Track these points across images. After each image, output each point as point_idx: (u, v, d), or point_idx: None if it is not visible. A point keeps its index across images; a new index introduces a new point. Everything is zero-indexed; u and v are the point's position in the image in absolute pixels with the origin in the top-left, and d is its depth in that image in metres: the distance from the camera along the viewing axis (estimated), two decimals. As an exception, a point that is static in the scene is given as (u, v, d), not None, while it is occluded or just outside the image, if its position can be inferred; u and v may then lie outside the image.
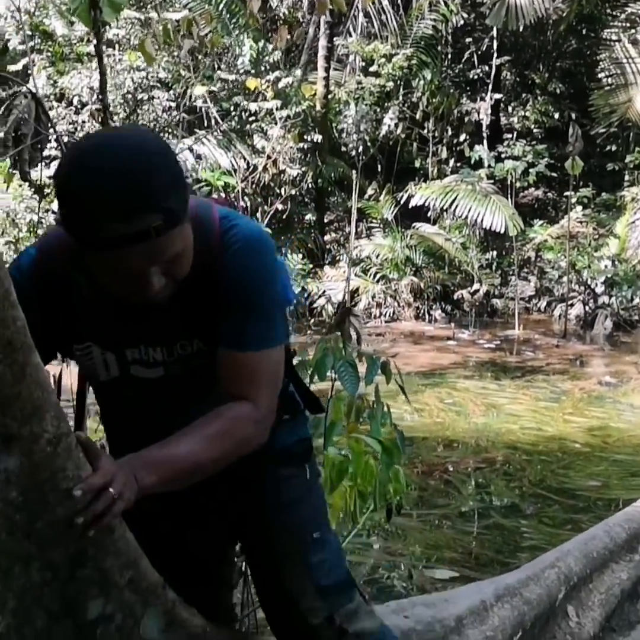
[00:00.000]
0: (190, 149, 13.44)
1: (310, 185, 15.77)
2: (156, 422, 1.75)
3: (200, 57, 15.14)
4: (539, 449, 8.29)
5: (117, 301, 1.70)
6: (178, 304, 1.74)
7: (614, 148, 17.78)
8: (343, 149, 16.64)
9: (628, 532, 3.73)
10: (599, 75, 15.68)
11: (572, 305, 14.76)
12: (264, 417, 1.79)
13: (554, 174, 17.17)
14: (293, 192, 14.92)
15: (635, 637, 3.47)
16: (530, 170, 16.76)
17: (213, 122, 14.22)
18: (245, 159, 14.19)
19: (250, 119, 14.85)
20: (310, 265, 14.82)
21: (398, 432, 3.67)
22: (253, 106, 14.44)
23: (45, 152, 12.70)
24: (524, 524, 6.57)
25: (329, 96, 16.18)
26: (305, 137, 15.17)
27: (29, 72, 11.48)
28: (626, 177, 17.29)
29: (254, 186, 14.19)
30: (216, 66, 15.67)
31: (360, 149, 15.12)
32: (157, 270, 1.59)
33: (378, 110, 16.95)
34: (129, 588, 1.43)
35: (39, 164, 12.97)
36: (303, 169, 15.16)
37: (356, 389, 3.23)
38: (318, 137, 15.25)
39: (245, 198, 14.02)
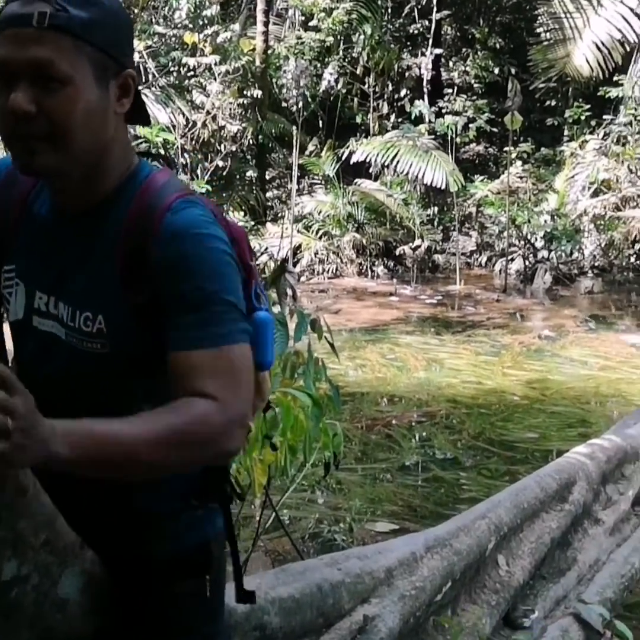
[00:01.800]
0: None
1: (250, 142, 15.62)
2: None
3: (136, 10, 14.83)
4: (479, 402, 8.38)
5: (48, 218, 1.65)
6: (90, 246, 1.61)
7: (553, 103, 17.87)
8: (283, 104, 16.49)
9: (559, 482, 3.80)
10: (538, 30, 15.70)
11: (512, 260, 14.89)
12: (233, 419, 1.50)
13: (495, 129, 17.22)
14: (233, 148, 14.79)
15: (565, 584, 3.55)
16: (471, 125, 16.81)
17: (150, 77, 13.98)
18: (184, 114, 13.99)
19: (189, 74, 14.63)
20: (252, 223, 14.73)
21: (333, 387, 3.69)
22: (191, 61, 14.22)
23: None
24: (463, 476, 6.66)
25: (269, 51, 15.99)
26: (244, 92, 14.99)
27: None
28: (565, 132, 17.40)
29: (193, 142, 14.03)
30: (153, 20, 15.37)
31: (301, 104, 14.98)
32: (25, 85, 1.44)
33: (318, 65, 16.82)
34: (45, 549, 1.41)
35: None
36: (243, 125, 15.00)
37: (284, 347, 3.22)
38: (258, 93, 15.07)
39: (185, 154, 13.87)
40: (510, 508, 3.37)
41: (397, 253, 15.38)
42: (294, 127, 14.56)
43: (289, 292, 4.24)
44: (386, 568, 2.54)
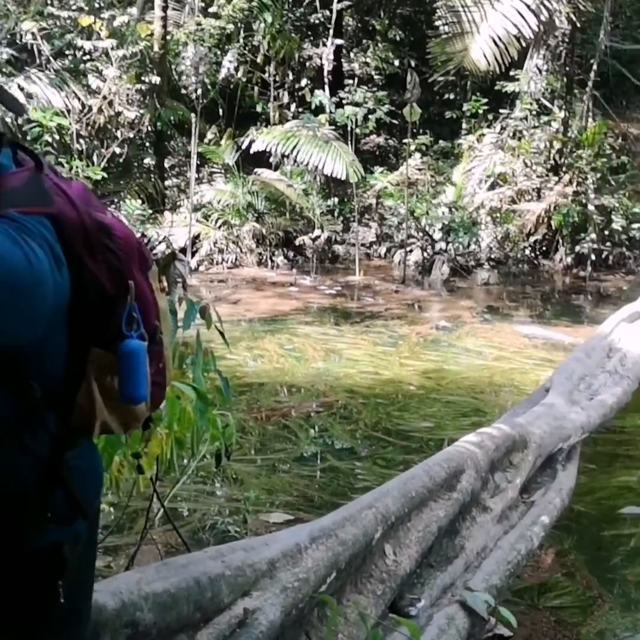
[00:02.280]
0: (20, 88, 12.83)
1: (148, 129, 15.37)
2: None
3: (30, -10, 14.45)
4: (376, 392, 8.43)
5: None
6: None
7: (452, 96, 18.10)
8: (183, 91, 16.28)
9: (447, 471, 3.82)
10: (437, 23, 15.82)
11: (411, 251, 15.01)
12: None
13: (395, 121, 17.34)
14: (131, 135, 14.54)
15: (452, 572, 3.57)
16: (371, 116, 16.88)
17: (44, 60, 13.61)
18: (79, 99, 13.68)
19: (85, 58, 14.31)
20: (150, 211, 14.51)
21: (222, 378, 3.64)
22: (87, 45, 13.92)
23: None
24: (358, 466, 6.69)
25: (167, 37, 15.75)
26: (142, 78, 14.75)
27: None
28: (464, 125, 17.64)
29: (89, 128, 13.74)
30: (48, 2, 14.98)
31: (200, 92, 14.81)
32: None
33: (218, 52, 16.65)
34: None
35: None
36: (141, 111, 14.76)
37: (173, 337, 3.14)
38: (156, 79, 14.84)
39: (81, 140, 13.56)
40: (397, 497, 3.37)
41: (297, 243, 15.36)
42: (193, 115, 14.39)
43: (179, 280, 4.16)
44: (269, 560, 2.51)
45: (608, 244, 15.02)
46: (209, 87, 16.23)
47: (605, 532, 5.61)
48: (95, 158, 13.88)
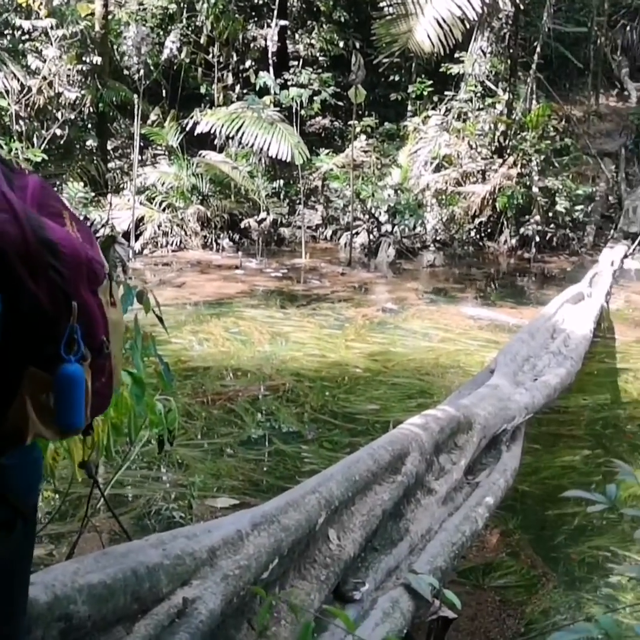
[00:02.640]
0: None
1: (90, 110, 15.14)
2: None
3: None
4: (322, 375, 8.42)
5: None
6: None
7: (397, 78, 18.07)
8: (125, 72, 16.04)
9: (391, 454, 3.81)
10: (381, 4, 15.75)
11: (357, 233, 15.01)
12: None
13: (340, 103, 17.29)
14: (72, 116, 14.29)
15: (397, 555, 3.56)
16: (316, 98, 16.81)
17: (-19, 39, 13.35)
18: (18, 80, 13.41)
19: (24, 37, 14.02)
20: (93, 194, 14.30)
21: (163, 363, 3.58)
22: (26, 24, 13.63)
23: None
24: (305, 449, 6.68)
25: (109, 17, 15.50)
26: (83, 58, 14.51)
27: None
28: (409, 107, 17.64)
29: (28, 109, 13.48)
30: (-16, -20, 14.66)
31: (143, 72, 14.59)
32: None
33: (161, 33, 16.45)
34: None
35: None
36: (82, 92, 14.52)
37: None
38: (97, 59, 14.61)
39: (20, 122, 13.31)
40: (341, 481, 3.35)
41: (242, 226, 15.27)
42: (136, 96, 14.19)
43: (119, 264, 4.09)
44: (209, 548, 2.46)
45: (552, 225, 15.15)
46: (152, 68, 16.02)
47: (549, 511, 5.66)
48: (35, 140, 13.63)
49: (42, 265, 1.60)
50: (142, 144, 15.16)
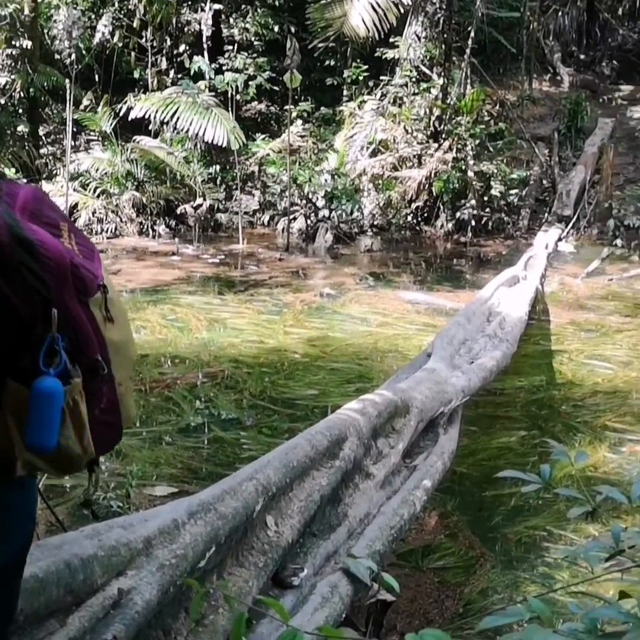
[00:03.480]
0: None
1: (21, 95, 14.85)
2: None
3: None
4: (261, 361, 8.42)
5: None
6: None
7: (332, 63, 18.04)
8: (56, 56, 15.74)
9: (329, 439, 3.81)
10: (316, -11, 15.74)
11: (294, 219, 14.98)
12: None
13: (276, 88, 17.18)
14: (2, 101, 14.01)
15: (335, 540, 3.57)
16: (251, 83, 16.70)
17: None
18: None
19: None
20: (25, 180, 14.04)
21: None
22: (-48, 6, 13.34)
23: None
24: (244, 435, 6.68)
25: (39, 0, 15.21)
26: (13, 42, 14.21)
27: None
28: (345, 92, 17.60)
29: (-44, 94, 13.20)
30: None
31: (74, 57, 14.33)
32: None
33: (92, 16, 16.19)
34: None
35: None
36: (12, 76, 14.24)
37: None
38: (27, 43, 14.34)
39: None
40: (279, 467, 3.34)
41: (178, 212, 15.13)
42: (68, 81, 13.95)
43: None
44: (145, 538, 2.44)
45: (487, 209, 15.28)
46: (84, 52, 15.76)
47: (486, 492, 5.74)
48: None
49: (13, 263, 1.49)
50: (74, 129, 14.92)
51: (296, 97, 16.03)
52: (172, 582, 2.42)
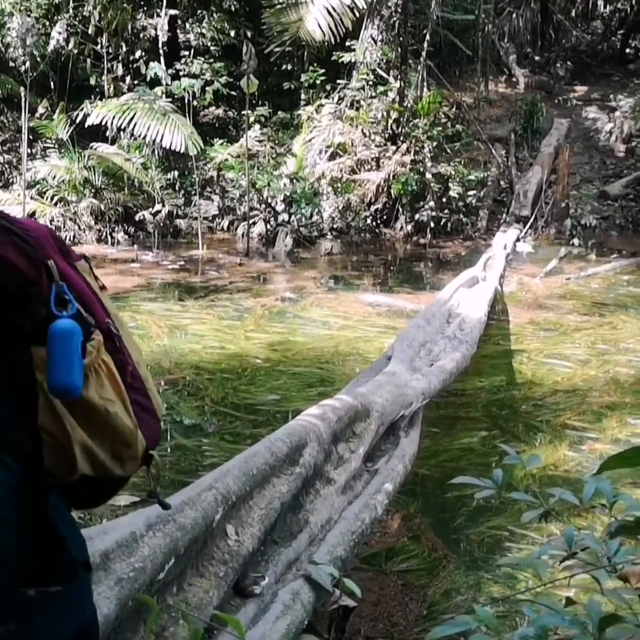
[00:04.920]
0: None
1: (-26, 103, 14.71)
2: None
3: None
4: (222, 367, 8.39)
5: None
6: None
7: (289, 67, 18.05)
8: (11, 64, 15.60)
9: (289, 445, 3.81)
10: (272, -7, 15.75)
11: (254, 223, 14.97)
12: None
13: (233, 93, 17.14)
14: (-44, 110, 13.88)
15: (297, 547, 3.57)
16: (208, 88, 16.65)
17: None
18: None
19: None
20: (-19, 189, 13.93)
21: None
22: None
23: None
24: (205, 442, 6.66)
25: (-8, 7, 15.09)
26: (-34, 50, 14.08)
27: None
28: (302, 96, 17.63)
29: None
30: None
31: (29, 64, 14.21)
32: None
33: (47, 23, 16.06)
34: None
35: None
36: (-35, 85, 14.10)
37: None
38: (-19, 51, 14.20)
39: None
40: (238, 476, 3.33)
41: (137, 219, 15.06)
42: (23, 88, 13.83)
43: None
44: (102, 552, 2.42)
45: (446, 211, 15.37)
46: (39, 59, 15.62)
47: (448, 494, 5.75)
48: None
49: None
50: (30, 137, 14.80)
51: (253, 101, 16.04)
52: (130, 596, 2.41)
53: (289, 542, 3.56)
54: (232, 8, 17.96)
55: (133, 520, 2.72)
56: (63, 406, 1.44)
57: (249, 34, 17.42)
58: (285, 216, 14.87)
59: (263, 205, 15.08)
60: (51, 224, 14.15)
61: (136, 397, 1.60)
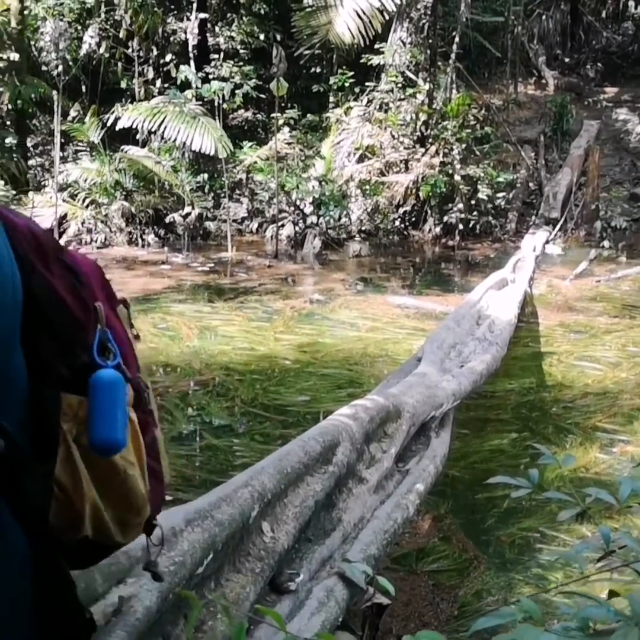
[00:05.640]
0: None
1: (8, 107, 14.86)
2: None
3: None
4: (252, 368, 8.43)
5: None
6: None
7: (318, 70, 18.12)
8: (43, 68, 15.79)
9: (322, 445, 3.84)
10: (301, -4, 15.81)
11: (282, 226, 15.03)
12: None
13: (262, 96, 17.25)
14: (-11, 113, 14.06)
15: (330, 544, 3.61)
16: (238, 91, 16.75)
17: None
18: None
19: None
20: (14, 192, 14.06)
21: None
22: (-62, 20, 13.37)
23: None
24: (236, 442, 6.69)
25: (25, 12, 15.23)
26: (0, 55, 14.23)
27: None
28: (331, 99, 17.69)
29: (-56, 107, 13.22)
30: None
31: (61, 68, 14.37)
32: None
33: (79, 27, 16.21)
34: None
35: None
36: (0, 89, 14.25)
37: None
38: (14, 56, 14.36)
39: None
40: (273, 474, 3.37)
41: (167, 221, 15.16)
42: (55, 92, 13.97)
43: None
44: (143, 546, 2.47)
45: (475, 213, 15.35)
46: (71, 63, 15.79)
47: (479, 495, 5.76)
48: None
49: (54, 258, 1.36)
50: (62, 140, 14.95)
51: (283, 104, 16.10)
52: (171, 589, 2.46)
53: (323, 540, 3.59)
54: (262, 11, 18.06)
55: (172, 515, 2.76)
56: (82, 461, 1.35)
57: (278, 37, 17.51)
58: (313, 218, 14.92)
59: (292, 208, 15.14)
60: (82, 226, 14.30)
61: (149, 461, 1.49)
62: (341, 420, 4.24)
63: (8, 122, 15.62)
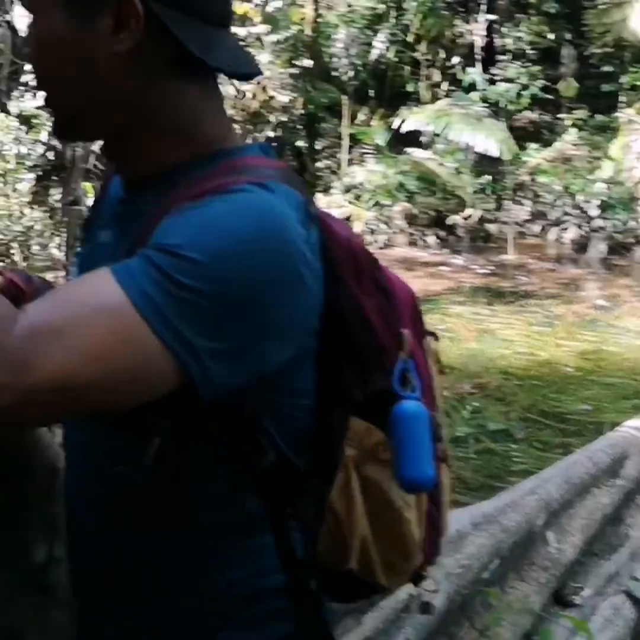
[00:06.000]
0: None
1: (300, 112, 15.54)
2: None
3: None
4: (531, 373, 8.31)
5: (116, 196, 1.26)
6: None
7: (609, 69, 17.51)
8: (334, 73, 16.35)
9: (611, 457, 3.74)
10: (594, -6, 15.37)
11: (566, 229, 14.69)
12: (19, 337, 0.90)
13: (549, 96, 16.93)
14: (283, 118, 14.72)
15: (617, 560, 3.49)
16: (524, 92, 16.53)
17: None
18: (233, 85, 13.94)
19: (240, 44, 14.53)
20: (302, 194, 14.65)
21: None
22: (242, 31, 14.15)
23: (23, 79, 12.32)
24: (514, 448, 6.62)
25: (319, 20, 15.86)
26: (294, 62, 14.90)
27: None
28: (621, 99, 17.06)
29: (243, 113, 13.98)
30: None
31: (351, 73, 14.84)
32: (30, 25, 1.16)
33: (369, 33, 16.64)
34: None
35: (22, 94, 12.62)
36: (293, 94, 14.93)
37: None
38: (308, 62, 14.98)
39: (235, 125, 13.80)
40: (560, 483, 3.32)
41: (448, 223, 15.24)
42: (344, 96, 14.43)
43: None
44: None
45: None
46: (360, 68, 16.25)
47: None
48: (249, 142, 14.12)
49: (369, 277, 1.26)
50: (350, 143, 15.42)
51: (569, 105, 15.71)
52: (457, 591, 2.49)
53: (609, 555, 3.49)
54: (552, 10, 17.69)
55: (457, 518, 2.79)
56: (360, 493, 1.24)
57: (568, 36, 17.09)
58: (599, 222, 14.46)
59: (577, 210, 14.75)
60: (366, 226, 14.67)
61: (429, 507, 1.33)
62: (630, 433, 4.10)
63: (299, 126, 16.30)
